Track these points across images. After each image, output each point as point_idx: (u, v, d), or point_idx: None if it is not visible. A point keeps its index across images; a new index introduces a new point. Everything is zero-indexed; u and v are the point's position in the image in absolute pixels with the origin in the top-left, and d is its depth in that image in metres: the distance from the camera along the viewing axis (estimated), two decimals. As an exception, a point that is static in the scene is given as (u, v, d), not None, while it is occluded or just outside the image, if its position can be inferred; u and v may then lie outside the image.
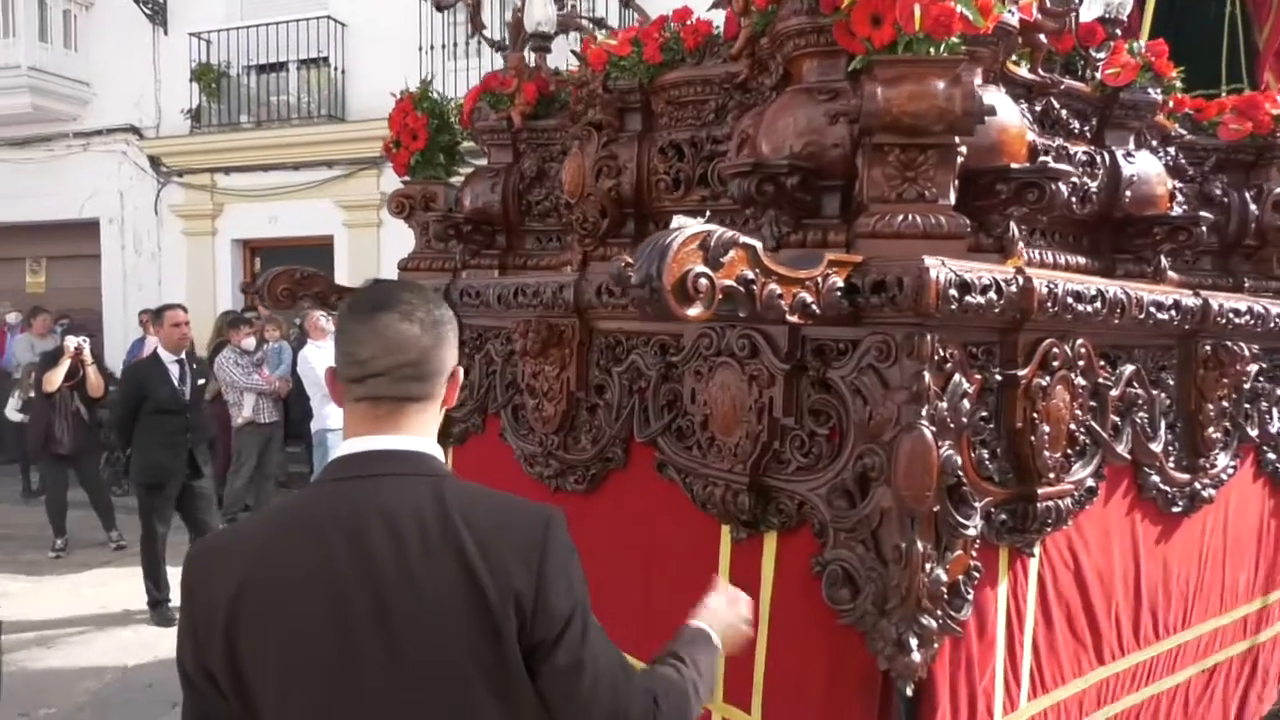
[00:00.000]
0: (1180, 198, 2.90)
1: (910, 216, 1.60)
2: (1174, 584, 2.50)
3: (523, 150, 3.18)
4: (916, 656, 1.48)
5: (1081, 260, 2.43)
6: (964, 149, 1.79)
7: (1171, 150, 2.89)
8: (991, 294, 1.53)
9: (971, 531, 1.56)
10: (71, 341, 6.05)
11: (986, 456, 1.69)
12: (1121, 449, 2.05)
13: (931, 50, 1.60)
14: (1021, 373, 1.66)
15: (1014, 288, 1.57)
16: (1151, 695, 2.45)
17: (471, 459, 2.90)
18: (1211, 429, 2.36)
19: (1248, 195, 3.07)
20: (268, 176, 9.29)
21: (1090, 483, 1.98)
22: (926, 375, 1.46)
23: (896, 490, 1.48)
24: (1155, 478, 2.23)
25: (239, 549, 1.19)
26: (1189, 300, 2.16)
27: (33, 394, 7.78)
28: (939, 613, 1.51)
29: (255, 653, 1.12)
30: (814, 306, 1.47)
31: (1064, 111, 2.36)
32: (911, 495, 1.46)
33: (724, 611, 1.48)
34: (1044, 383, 1.71)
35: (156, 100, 9.38)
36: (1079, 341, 1.78)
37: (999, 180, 1.77)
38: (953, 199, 1.62)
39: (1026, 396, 1.69)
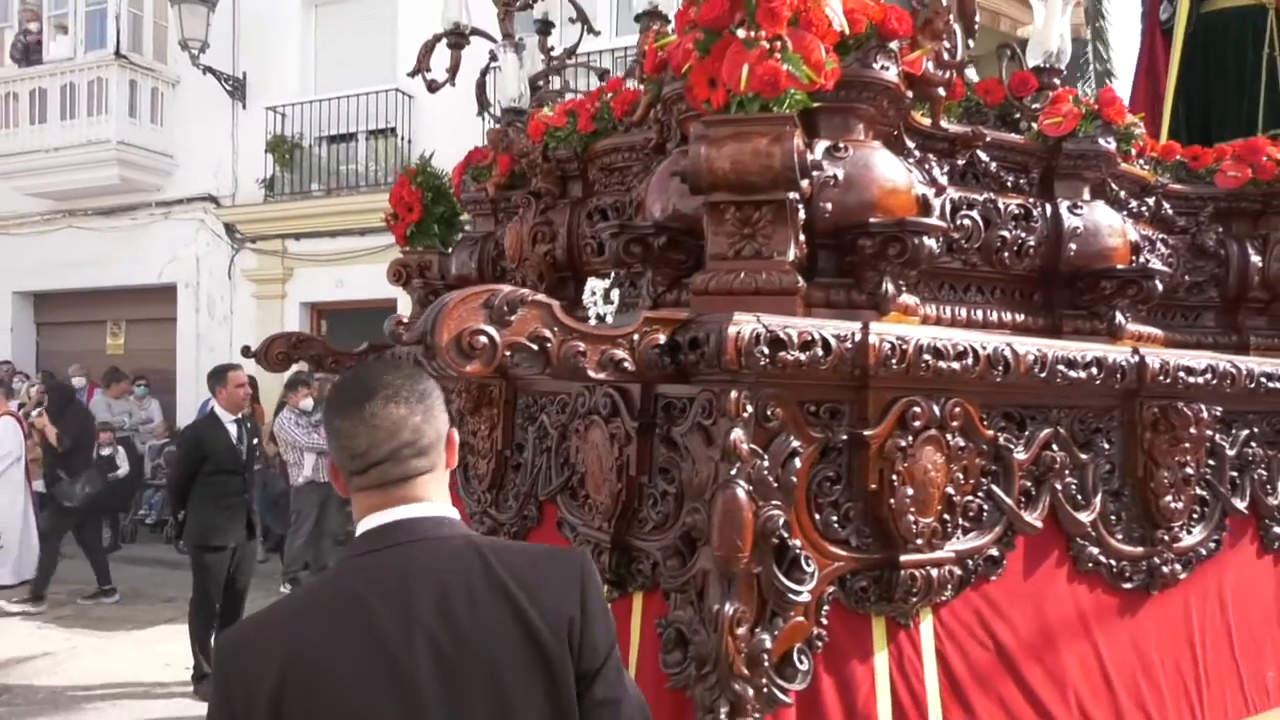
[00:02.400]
0: (1163, 249, 2.81)
1: (742, 274, 1.64)
2: (1160, 672, 2.34)
3: (500, 219, 3.36)
4: (732, 726, 1.46)
5: (1020, 317, 2.39)
6: (829, 206, 1.84)
7: (1151, 201, 2.81)
8: (817, 350, 1.55)
9: (804, 597, 1.55)
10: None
11: (836, 519, 1.68)
12: (1033, 517, 1.97)
13: (776, 108, 1.66)
14: (869, 432, 1.65)
15: (847, 344, 1.58)
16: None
17: None
18: (1169, 498, 2.24)
19: (1249, 246, 2.94)
20: (335, 242, 9.93)
21: (994, 552, 1.92)
22: (738, 432, 1.48)
23: (712, 550, 1.49)
24: (1093, 549, 2.12)
25: (276, 634, 1.21)
26: (1118, 357, 2.08)
27: (104, 453, 8.44)
28: (761, 681, 1.50)
29: None
30: (627, 364, 1.53)
31: (993, 164, 2.34)
32: (724, 556, 1.47)
33: None
34: (904, 443, 1.68)
35: (233, 170, 10.23)
36: (951, 401, 1.76)
37: (862, 235, 1.80)
38: (791, 255, 1.66)
39: (882, 457, 1.67)
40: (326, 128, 9.96)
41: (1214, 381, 2.28)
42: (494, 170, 3.39)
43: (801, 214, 1.69)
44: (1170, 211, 2.87)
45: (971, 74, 2.59)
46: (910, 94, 2.05)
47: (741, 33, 1.58)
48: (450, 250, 3.70)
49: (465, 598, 1.20)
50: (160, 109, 10.15)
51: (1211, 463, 2.44)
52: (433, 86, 3.85)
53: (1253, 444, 2.56)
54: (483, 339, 1.39)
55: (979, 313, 2.31)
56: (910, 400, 1.69)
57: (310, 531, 7.66)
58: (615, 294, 2.32)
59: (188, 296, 10.20)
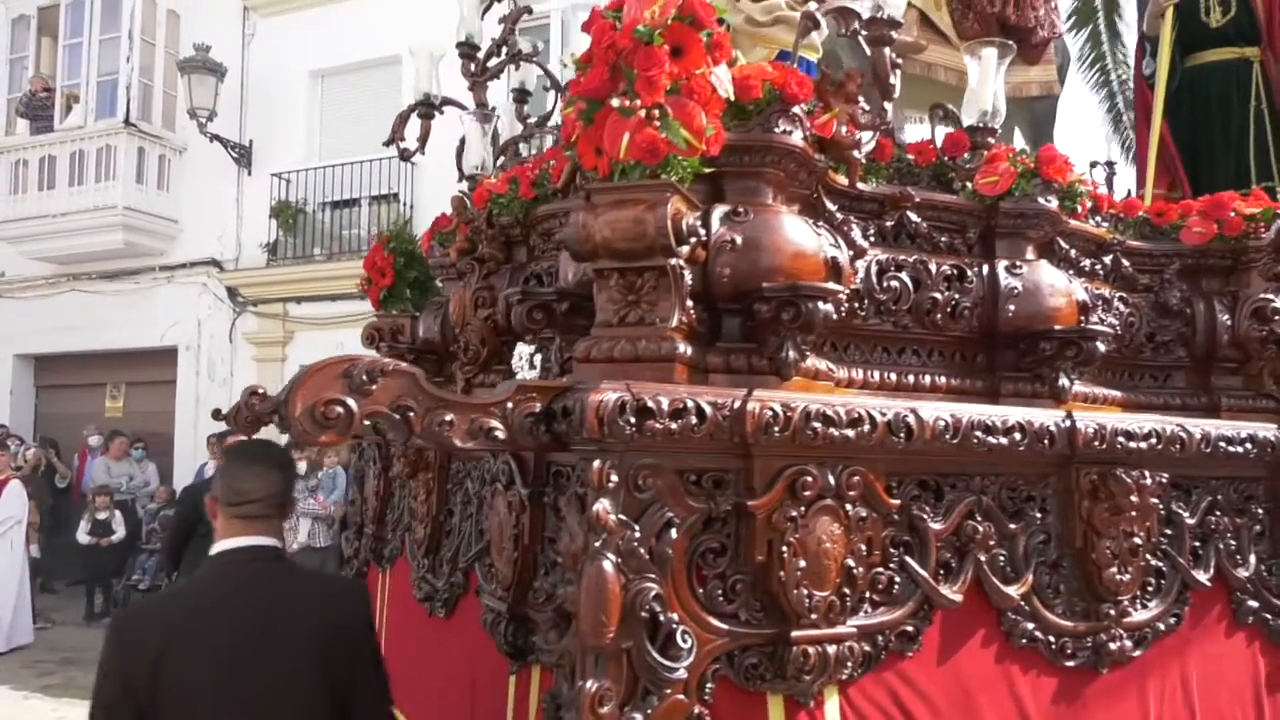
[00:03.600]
0: (1121, 308, 2.81)
1: (623, 341, 1.67)
2: (1118, 757, 2.27)
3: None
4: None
5: (958, 380, 2.39)
6: (728, 271, 1.87)
7: (1108, 259, 2.81)
8: (690, 419, 1.57)
9: (680, 674, 1.54)
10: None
11: (722, 593, 1.67)
12: (953, 590, 1.94)
13: (665, 175, 1.72)
14: (753, 502, 1.65)
15: (724, 412, 1.60)
16: None
17: (397, 580, 3.04)
18: (1113, 570, 2.19)
19: (1217, 303, 2.92)
20: (336, 305, 10.15)
21: (909, 627, 1.89)
22: (603, 503, 1.49)
23: (578, 624, 1.50)
24: (1028, 625, 2.08)
25: (158, 612, 2.00)
26: (1046, 422, 2.07)
27: (100, 516, 8.54)
28: (632, 763, 1.49)
29: (179, 679, 1.79)
30: (499, 433, 1.56)
31: (925, 224, 2.38)
32: (588, 630, 1.47)
33: None
34: (794, 514, 1.69)
35: (237, 235, 10.56)
36: (848, 469, 1.76)
37: (758, 301, 1.83)
38: (675, 321, 1.69)
39: (771, 528, 1.67)
40: (330, 193, 10.28)
41: (1159, 446, 2.25)
42: (456, 236, 3.50)
43: (688, 279, 1.73)
44: (1131, 269, 2.87)
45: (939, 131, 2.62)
46: (822, 157, 2.10)
47: (616, 102, 1.64)
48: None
49: (273, 602, 1.88)
50: (167, 175, 10.56)
51: (1168, 532, 2.40)
52: (405, 155, 4.01)
53: (1216, 512, 2.51)
54: (338, 409, 1.44)
55: (910, 376, 2.32)
56: (800, 469, 1.70)
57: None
58: (539, 359, 2.36)
59: (188, 359, 10.44)
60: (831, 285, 1.84)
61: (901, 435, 1.80)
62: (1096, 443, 2.13)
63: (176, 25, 10.78)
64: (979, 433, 1.95)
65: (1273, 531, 2.67)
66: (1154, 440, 2.24)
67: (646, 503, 1.56)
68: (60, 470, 9.58)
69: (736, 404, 1.61)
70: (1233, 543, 2.55)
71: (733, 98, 1.77)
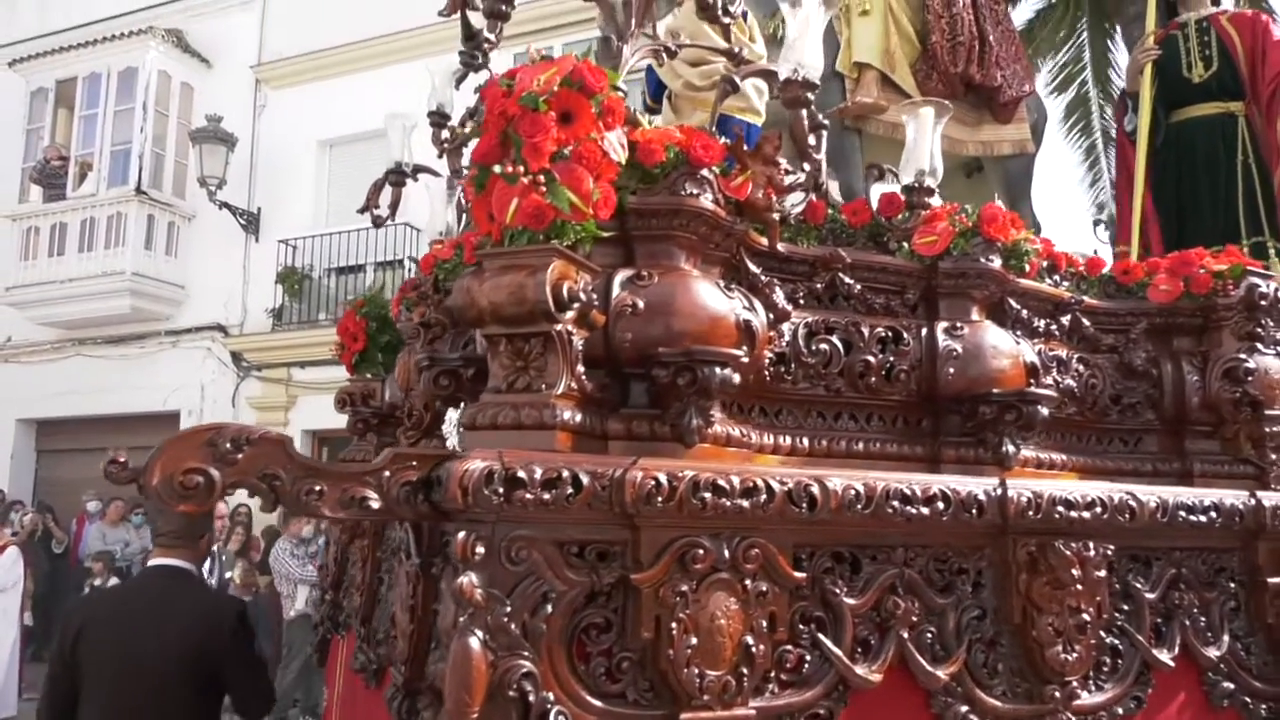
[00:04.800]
0: (1081, 369, 2.76)
1: (507, 408, 1.67)
2: None
3: (431, 349, 3.50)
4: None
5: (897, 446, 2.35)
6: (630, 336, 1.88)
7: (1066, 319, 2.78)
8: (565, 489, 1.56)
9: (552, 758, 1.50)
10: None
11: (606, 671, 1.63)
12: (871, 669, 1.88)
13: (558, 240, 1.74)
14: (637, 576, 1.63)
15: (602, 482, 1.59)
16: None
17: (350, 647, 3.02)
18: (1057, 649, 2.11)
19: (1187, 364, 2.87)
20: (339, 370, 10.25)
21: (821, 709, 1.83)
22: (468, 576, 1.48)
23: (446, 702, 1.47)
24: (961, 707, 2.00)
25: (85, 604, 3.31)
26: (974, 491, 2.02)
27: (96, 583, 8.59)
28: None
29: (88, 655, 2.55)
30: (373, 503, 1.56)
31: (858, 286, 2.37)
32: (453, 709, 1.44)
33: None
34: (684, 588, 1.65)
35: (243, 300, 10.80)
36: (744, 541, 1.73)
37: (656, 366, 1.82)
38: (561, 387, 1.69)
39: (659, 603, 1.64)
40: (336, 259, 10.51)
41: (1105, 515, 2.19)
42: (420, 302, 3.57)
43: (578, 345, 1.73)
44: (1094, 329, 2.84)
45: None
46: (739, 219, 2.12)
47: (498, 168, 1.67)
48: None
49: (161, 606, 2.59)
50: (175, 241, 10.88)
51: (1125, 607, 2.32)
52: (378, 222, 4.11)
53: (1181, 586, 2.43)
54: (198, 478, 1.45)
55: (843, 443, 2.29)
56: (690, 541, 1.67)
57: (301, 667, 7.59)
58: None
59: (190, 424, 10.57)
60: (730, 350, 1.83)
61: (804, 506, 1.76)
62: (1031, 512, 2.08)
63: (190, 97, 11.23)
64: (896, 502, 1.91)
65: (1249, 607, 2.57)
66: (1099, 509, 2.18)
67: (520, 576, 1.55)
68: (57, 536, 9.67)
69: (617, 473, 1.60)
70: (1202, 619, 2.46)
71: (623, 161, 1.79)
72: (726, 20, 2.12)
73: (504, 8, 2.40)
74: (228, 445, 1.48)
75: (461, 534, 1.48)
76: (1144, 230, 3.97)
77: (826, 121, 2.30)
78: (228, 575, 5.89)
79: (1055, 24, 8.21)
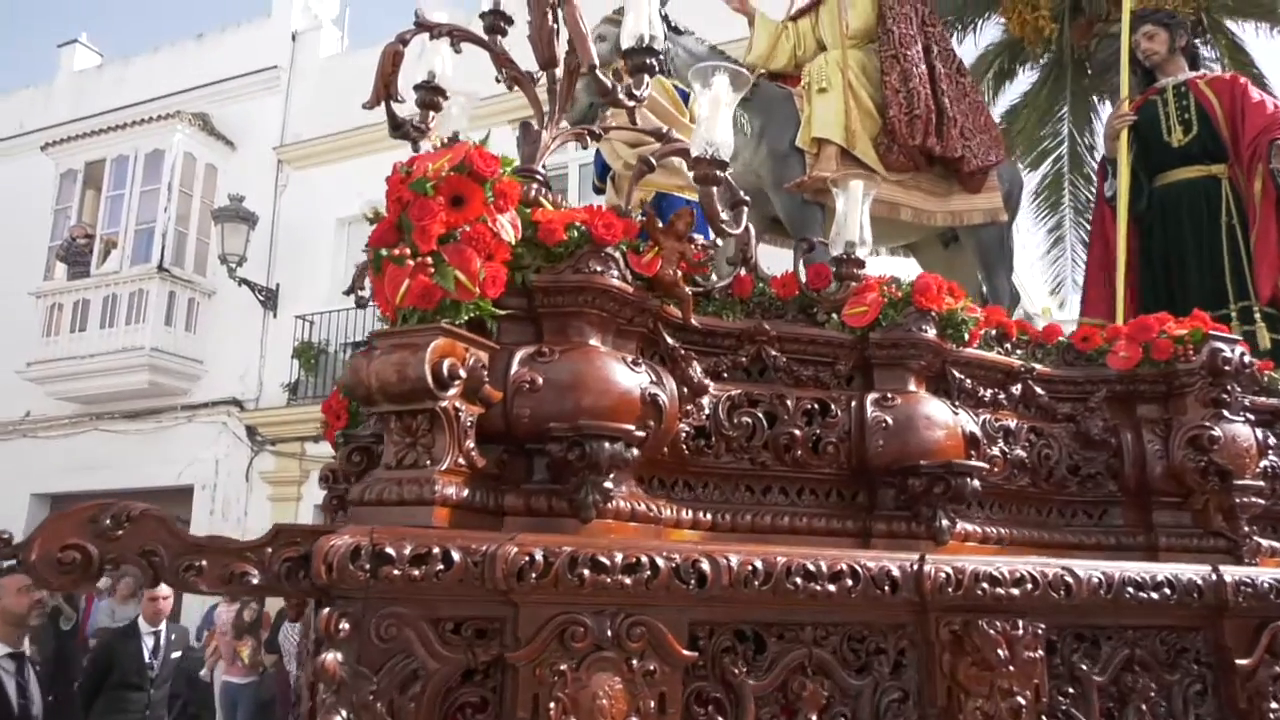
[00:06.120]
0: (1032, 439, 2.75)
1: (391, 484, 1.73)
2: None
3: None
4: None
5: (827, 521, 2.36)
6: (527, 411, 1.93)
7: (1016, 388, 2.78)
8: (435, 565, 1.60)
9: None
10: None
11: (480, 753, 1.65)
12: (775, 754, 1.87)
13: (451, 320, 1.82)
14: (512, 654, 1.65)
15: (475, 557, 1.63)
16: None
17: None
18: (986, 734, 2.07)
19: (1148, 433, 2.84)
20: (353, 443, 10.43)
21: (719, 797, 1.81)
22: (332, 654, 1.52)
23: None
24: (876, 797, 1.97)
25: None
26: (889, 567, 2.02)
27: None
28: None
29: None
30: (253, 579, 1.62)
31: (784, 358, 2.41)
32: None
33: None
34: (564, 667, 1.67)
35: (260, 375, 11.09)
36: (629, 618, 1.75)
37: (552, 442, 1.87)
38: (446, 464, 1.74)
39: (537, 682, 1.66)
40: (353, 334, 10.76)
41: (1035, 592, 2.16)
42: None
43: (466, 421, 1.79)
44: (1048, 398, 2.83)
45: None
46: (651, 294, 2.18)
47: (385, 251, 1.76)
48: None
49: None
50: (195, 317, 11.25)
51: (1070, 690, 2.27)
52: (361, 303, 4.25)
53: (1136, 668, 2.37)
54: (75, 555, 1.52)
55: (768, 517, 2.30)
56: (570, 618, 1.69)
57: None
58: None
59: (204, 499, 10.78)
60: (622, 425, 1.87)
61: (692, 582, 1.78)
62: (951, 589, 2.06)
63: (214, 176, 11.74)
64: (798, 579, 1.91)
65: (1218, 691, 2.49)
66: (1029, 586, 2.16)
67: (389, 653, 1.58)
68: (66, 612, 9.79)
69: (490, 549, 1.64)
70: (1162, 704, 2.39)
71: (514, 242, 1.87)
72: (631, 104, 2.22)
73: (438, 99, 2.53)
74: (108, 522, 1.55)
75: (325, 610, 1.53)
76: (1109, 300, 3.97)
77: (747, 198, 2.37)
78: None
79: (1034, 106, 8.30)
